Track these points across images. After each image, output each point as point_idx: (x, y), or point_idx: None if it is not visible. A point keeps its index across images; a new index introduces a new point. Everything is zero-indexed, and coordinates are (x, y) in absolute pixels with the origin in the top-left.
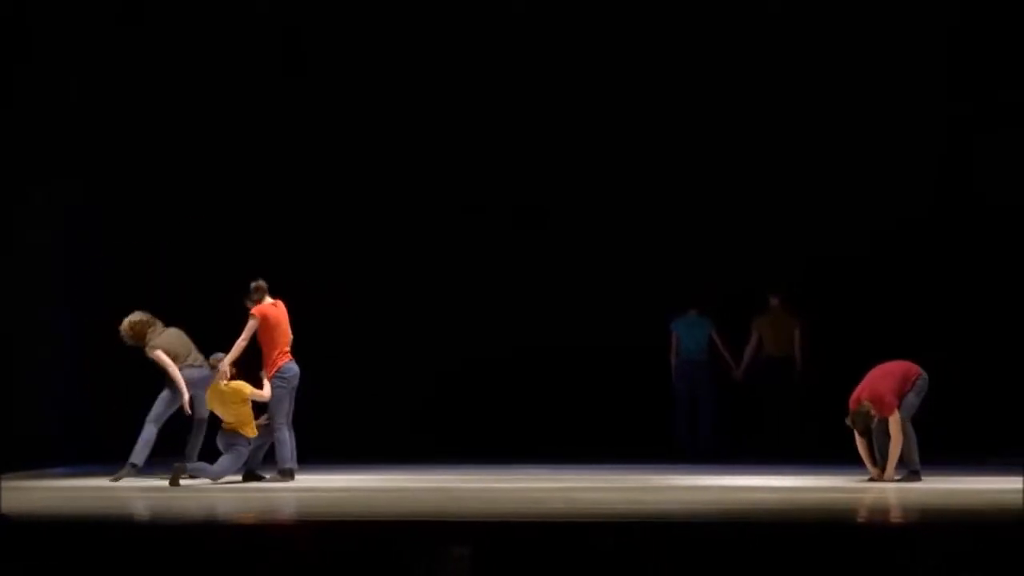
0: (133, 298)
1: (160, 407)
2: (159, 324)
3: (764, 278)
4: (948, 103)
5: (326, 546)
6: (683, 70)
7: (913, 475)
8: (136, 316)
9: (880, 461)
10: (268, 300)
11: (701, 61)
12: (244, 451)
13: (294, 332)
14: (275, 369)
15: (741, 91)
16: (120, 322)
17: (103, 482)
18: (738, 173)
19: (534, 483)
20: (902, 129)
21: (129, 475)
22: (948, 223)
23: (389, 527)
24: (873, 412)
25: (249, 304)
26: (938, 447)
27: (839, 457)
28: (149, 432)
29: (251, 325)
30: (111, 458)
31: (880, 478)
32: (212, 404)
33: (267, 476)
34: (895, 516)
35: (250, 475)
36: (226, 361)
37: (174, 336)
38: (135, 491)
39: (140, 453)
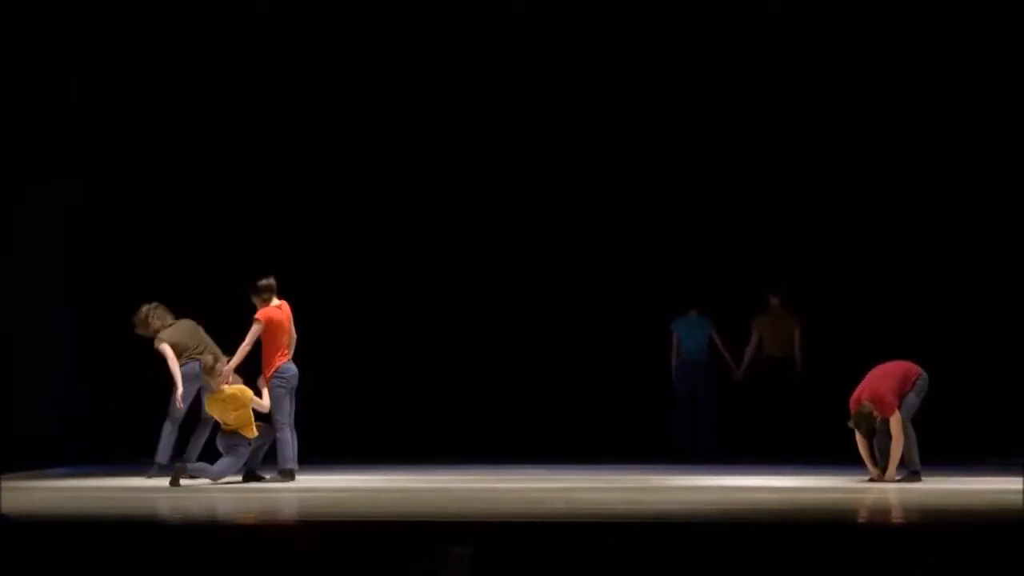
0: (133, 298)
1: (174, 405)
2: (169, 316)
3: (764, 278)
4: (948, 103)
5: (326, 546)
6: (683, 70)
7: (913, 475)
8: (146, 306)
9: (880, 461)
10: (274, 301)
11: (701, 61)
12: (245, 452)
13: (296, 332)
14: (273, 369)
15: (741, 91)
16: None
17: (103, 482)
18: (738, 173)
19: (534, 483)
20: (902, 129)
21: (157, 475)
22: (948, 223)
23: (389, 527)
24: (875, 413)
25: (256, 300)
26: (938, 447)
27: (839, 457)
28: (167, 430)
29: (255, 330)
30: (111, 458)
31: (881, 478)
32: (212, 409)
33: (267, 476)
34: (895, 516)
35: (250, 475)
36: (229, 367)
37: (184, 329)
38: (135, 491)
39: (163, 452)
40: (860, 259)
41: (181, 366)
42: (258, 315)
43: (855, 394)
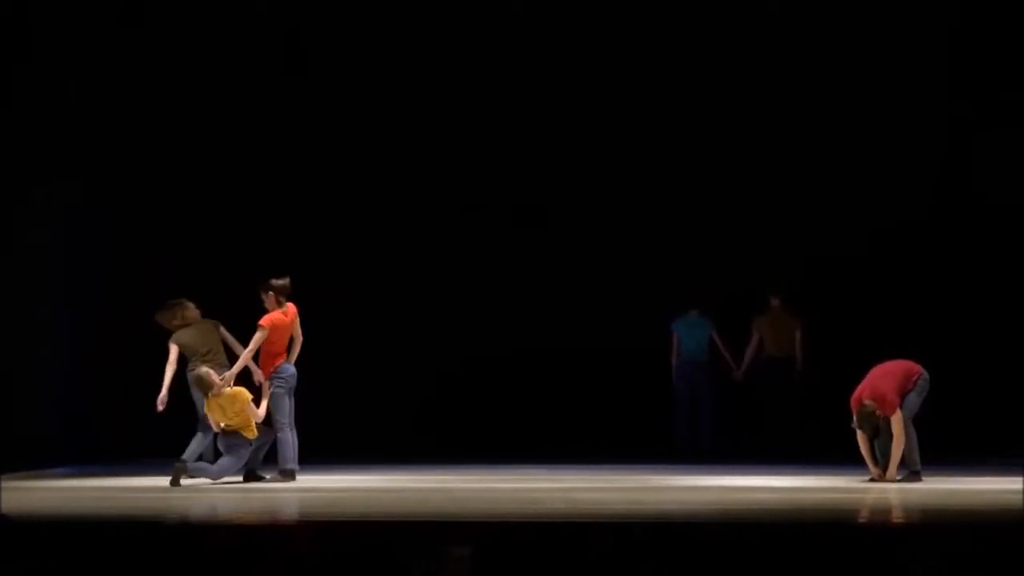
0: (133, 298)
1: (199, 409)
2: (192, 315)
3: (764, 278)
4: (948, 103)
5: (326, 546)
6: (683, 70)
7: (913, 475)
8: (171, 302)
9: (881, 460)
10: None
11: (701, 61)
12: (245, 452)
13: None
14: (271, 370)
15: (741, 91)
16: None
17: (103, 482)
18: (738, 173)
19: (534, 483)
20: (902, 129)
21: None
22: (948, 223)
23: (389, 527)
24: (877, 412)
25: (266, 299)
26: (938, 447)
27: (839, 457)
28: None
29: (258, 337)
30: (111, 458)
31: (881, 478)
32: (211, 412)
33: (268, 476)
34: (895, 516)
35: (251, 475)
36: (231, 374)
37: (198, 330)
38: (135, 491)
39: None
40: (860, 259)
41: (188, 371)
42: (263, 321)
43: (856, 393)
